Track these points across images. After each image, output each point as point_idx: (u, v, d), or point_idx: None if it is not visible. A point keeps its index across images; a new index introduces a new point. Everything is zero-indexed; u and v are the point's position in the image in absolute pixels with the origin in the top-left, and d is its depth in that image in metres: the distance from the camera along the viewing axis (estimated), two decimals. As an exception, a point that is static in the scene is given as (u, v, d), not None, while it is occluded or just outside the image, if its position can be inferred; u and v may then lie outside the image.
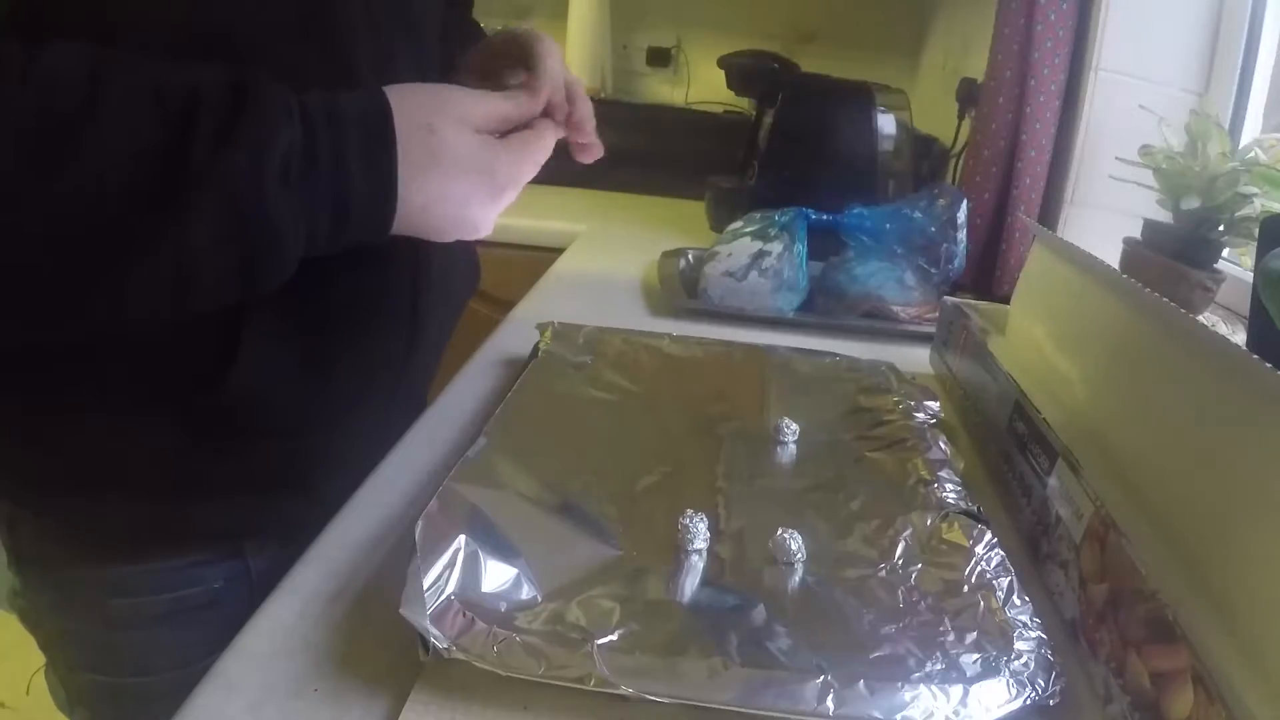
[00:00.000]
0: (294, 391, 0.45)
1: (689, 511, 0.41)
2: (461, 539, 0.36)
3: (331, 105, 0.38)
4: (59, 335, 0.37)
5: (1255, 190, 0.70)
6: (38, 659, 0.55)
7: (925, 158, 1.26)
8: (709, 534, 0.41)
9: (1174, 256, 0.76)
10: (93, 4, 0.36)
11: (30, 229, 0.32)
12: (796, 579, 0.38)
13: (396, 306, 0.50)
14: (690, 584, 0.37)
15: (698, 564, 0.39)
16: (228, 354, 0.42)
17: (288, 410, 0.46)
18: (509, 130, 0.46)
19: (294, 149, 0.36)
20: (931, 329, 0.78)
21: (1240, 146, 0.77)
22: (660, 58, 1.85)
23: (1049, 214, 1.03)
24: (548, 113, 0.49)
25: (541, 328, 0.66)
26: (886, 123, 1.12)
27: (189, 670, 0.33)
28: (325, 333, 0.46)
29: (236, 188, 0.34)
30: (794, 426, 0.53)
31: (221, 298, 0.37)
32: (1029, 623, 0.36)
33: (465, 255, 0.62)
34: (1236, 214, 0.72)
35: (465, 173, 0.42)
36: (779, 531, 0.40)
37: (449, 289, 0.57)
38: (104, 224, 0.32)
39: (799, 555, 0.39)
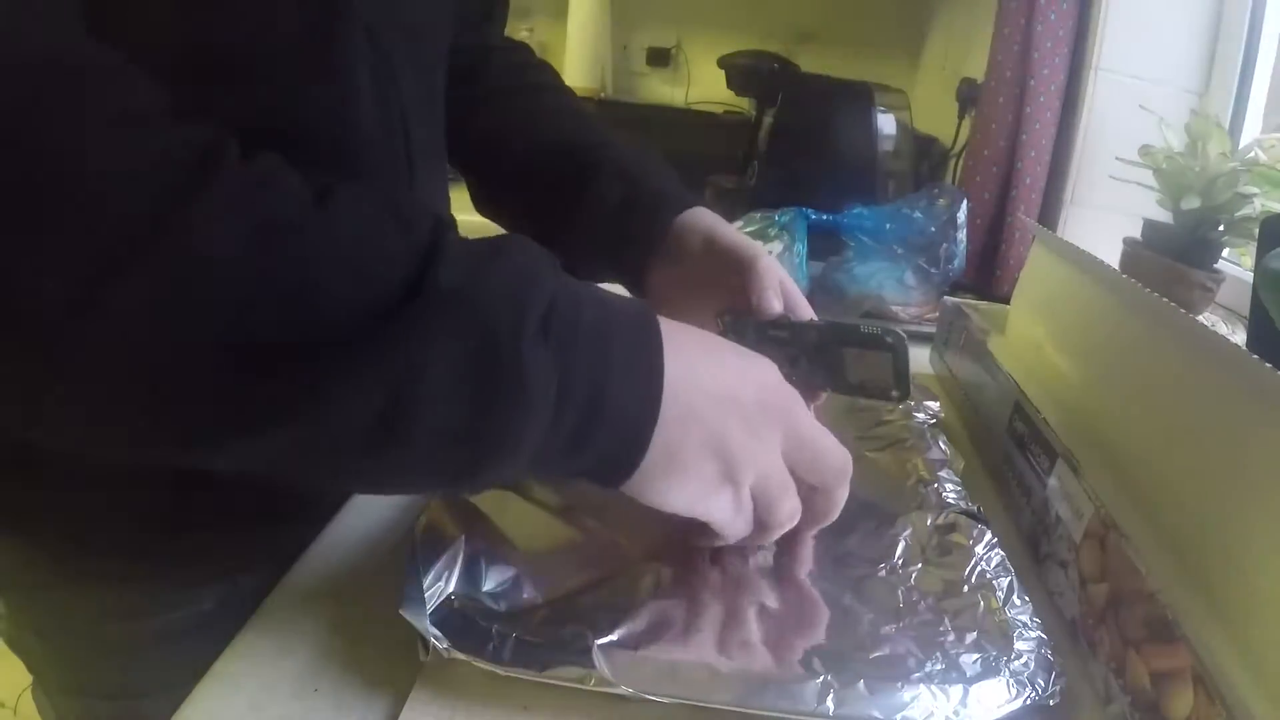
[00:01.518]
0: None
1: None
2: (461, 539, 0.36)
3: (586, 287, 0.32)
4: (211, 460, 0.29)
5: (1255, 190, 0.70)
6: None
7: (925, 158, 1.26)
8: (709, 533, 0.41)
9: (1174, 256, 0.76)
10: (85, 18, 0.34)
11: (230, 323, 0.25)
12: (798, 578, 0.38)
13: None
14: (692, 583, 0.37)
15: (698, 563, 0.39)
16: None
17: None
18: None
19: (557, 305, 0.29)
20: (931, 329, 0.78)
21: (1240, 146, 0.77)
22: (660, 58, 1.85)
23: (1049, 214, 1.03)
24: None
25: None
26: (886, 123, 1.12)
27: (182, 692, 0.32)
28: None
29: (494, 320, 0.27)
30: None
31: (416, 471, 0.29)
32: (1029, 623, 0.36)
33: None
34: (1236, 214, 0.72)
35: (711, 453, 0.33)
36: None
37: None
38: (315, 330, 0.26)
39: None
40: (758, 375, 0.36)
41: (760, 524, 0.36)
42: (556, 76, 0.63)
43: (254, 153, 0.27)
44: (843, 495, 0.38)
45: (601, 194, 0.52)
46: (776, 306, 0.46)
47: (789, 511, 0.36)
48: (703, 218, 0.51)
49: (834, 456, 0.37)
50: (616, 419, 0.30)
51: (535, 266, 0.30)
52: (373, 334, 0.26)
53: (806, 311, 0.47)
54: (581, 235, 0.54)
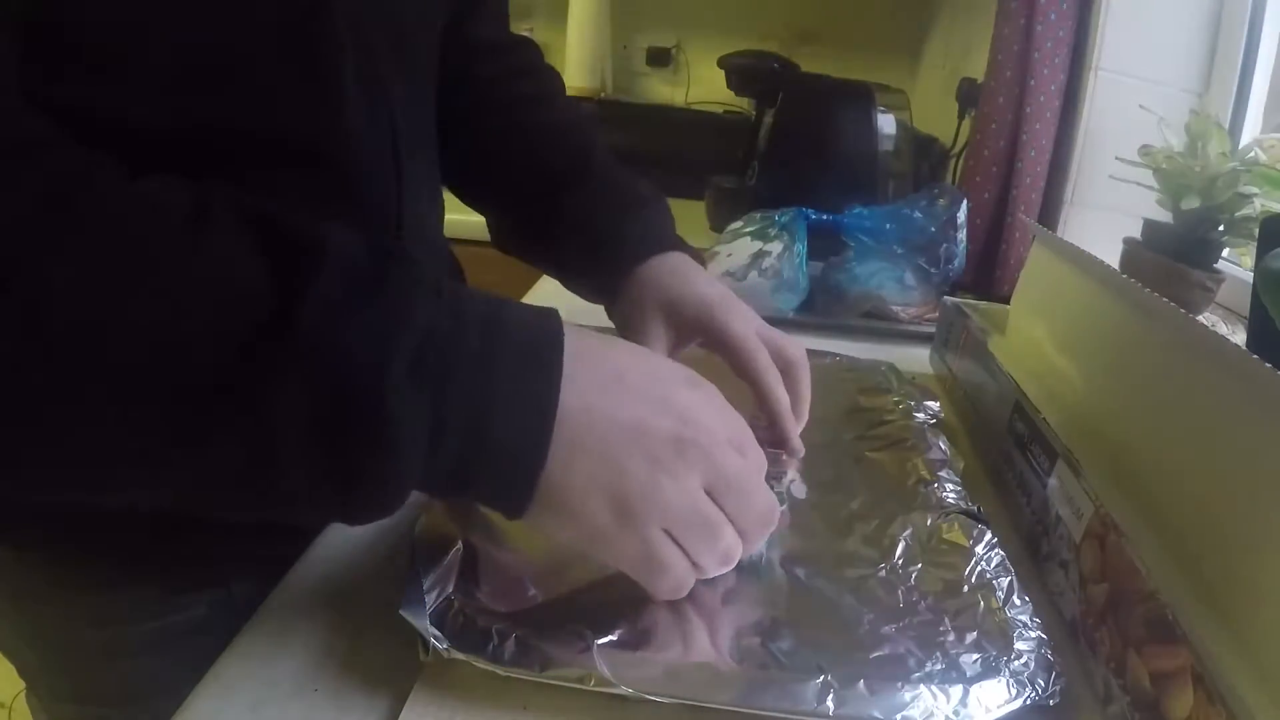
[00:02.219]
0: None
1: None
2: (462, 539, 0.36)
3: (491, 304, 0.30)
4: (73, 495, 0.29)
5: (1255, 190, 0.70)
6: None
7: (925, 158, 1.26)
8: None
9: (1174, 256, 0.76)
10: (54, 24, 0.32)
11: (77, 356, 0.25)
12: (798, 579, 0.38)
13: None
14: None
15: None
16: None
17: None
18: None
19: (434, 338, 0.28)
20: (931, 329, 0.78)
21: (1240, 146, 0.77)
22: (660, 58, 1.85)
23: (1049, 214, 1.03)
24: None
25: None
26: (886, 123, 1.12)
27: (175, 697, 0.32)
28: None
29: (351, 364, 0.26)
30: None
31: (298, 507, 0.29)
32: (1029, 623, 0.36)
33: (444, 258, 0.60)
34: (1236, 214, 0.72)
35: (649, 462, 0.31)
36: None
37: None
38: (170, 370, 0.25)
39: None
40: (682, 406, 0.32)
41: (684, 566, 0.33)
42: (546, 82, 0.61)
43: (139, 174, 0.27)
44: (757, 543, 0.35)
45: (561, 242, 0.52)
46: (780, 394, 0.44)
47: (720, 552, 0.33)
48: (663, 268, 0.48)
49: (758, 501, 0.34)
50: (497, 455, 0.29)
51: (414, 295, 0.28)
52: (229, 382, 0.25)
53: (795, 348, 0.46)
54: (553, 270, 0.55)
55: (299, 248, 0.27)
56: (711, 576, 0.34)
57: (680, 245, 0.50)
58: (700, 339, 0.47)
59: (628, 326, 0.48)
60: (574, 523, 0.31)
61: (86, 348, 0.24)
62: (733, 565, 0.34)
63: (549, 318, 0.32)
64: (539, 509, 0.31)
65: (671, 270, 0.48)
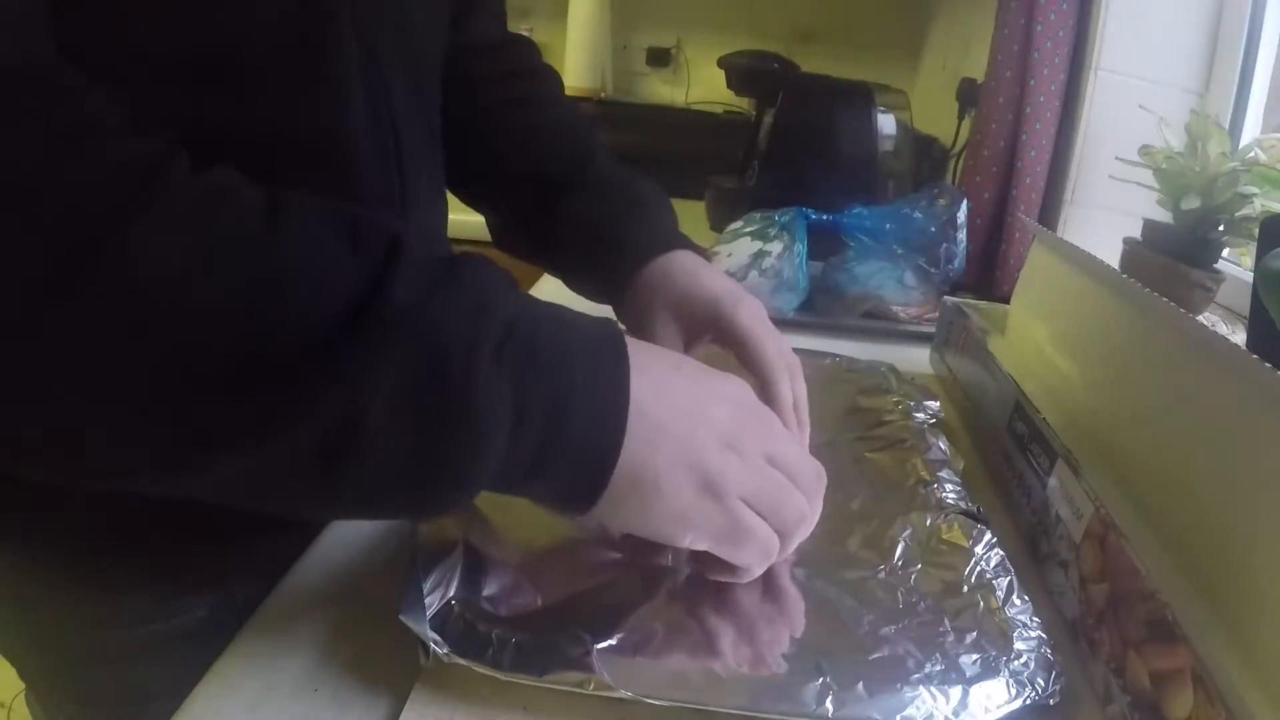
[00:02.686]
0: None
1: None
2: (461, 542, 0.36)
3: (550, 305, 0.31)
4: (147, 485, 0.28)
5: (1255, 190, 0.70)
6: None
7: (925, 158, 1.26)
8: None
9: (1174, 256, 0.76)
10: (57, 23, 0.31)
11: (176, 338, 0.24)
12: (798, 580, 0.38)
13: None
14: (691, 586, 0.37)
15: (696, 567, 0.39)
16: None
17: None
18: None
19: (515, 329, 0.28)
20: (931, 329, 0.78)
21: (1240, 146, 0.77)
22: (660, 58, 1.85)
23: (1049, 214, 1.03)
24: None
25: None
26: (886, 123, 1.12)
27: (175, 699, 0.32)
28: None
29: (445, 343, 0.26)
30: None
31: (368, 497, 0.28)
32: (1028, 623, 0.36)
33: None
34: (1236, 214, 0.72)
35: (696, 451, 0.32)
36: None
37: None
38: (262, 347, 0.25)
39: None
40: (730, 393, 0.35)
41: (768, 533, 0.34)
42: (545, 82, 0.61)
43: (206, 165, 0.26)
44: (819, 504, 0.37)
45: (564, 245, 0.52)
46: (785, 387, 0.44)
47: (798, 512, 0.35)
48: (669, 267, 0.48)
49: (808, 466, 0.36)
50: (578, 443, 0.30)
51: (491, 288, 0.29)
52: (318, 358, 0.25)
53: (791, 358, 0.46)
54: (557, 271, 0.55)
55: (378, 235, 0.28)
56: (793, 545, 0.36)
57: (685, 242, 0.50)
58: (710, 335, 0.47)
59: (639, 327, 0.48)
60: (660, 504, 0.32)
61: (175, 322, 0.24)
62: (810, 529, 0.36)
63: (606, 319, 0.33)
64: (617, 497, 0.31)
65: (678, 269, 0.48)
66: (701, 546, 0.34)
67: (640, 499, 0.31)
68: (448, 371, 0.26)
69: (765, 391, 0.44)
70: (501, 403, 0.27)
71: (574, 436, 0.29)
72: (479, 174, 0.57)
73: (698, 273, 0.48)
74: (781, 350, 0.45)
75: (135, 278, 0.24)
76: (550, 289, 0.92)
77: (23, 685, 0.53)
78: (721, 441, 0.33)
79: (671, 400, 0.32)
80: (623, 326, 0.35)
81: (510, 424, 0.28)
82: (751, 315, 0.45)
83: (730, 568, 0.35)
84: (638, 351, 0.32)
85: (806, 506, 0.35)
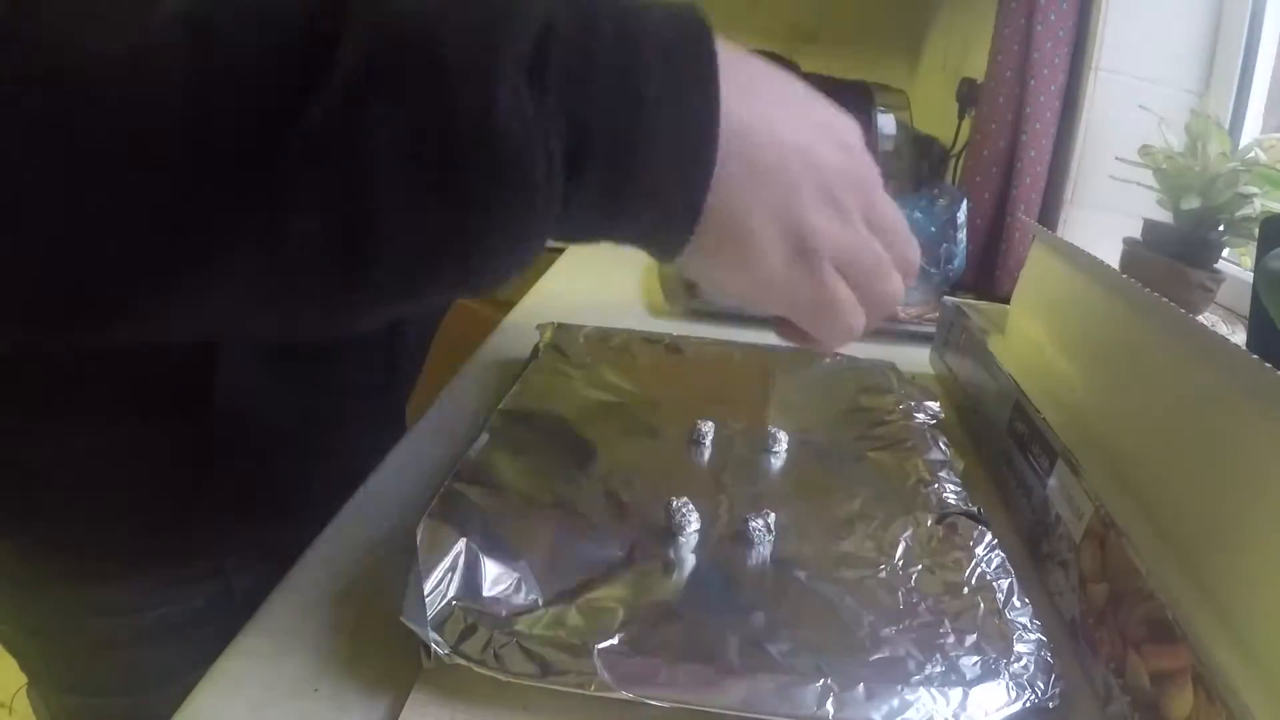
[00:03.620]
0: (271, 411, 0.44)
1: (690, 512, 0.41)
2: (462, 542, 0.36)
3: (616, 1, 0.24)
4: (89, 338, 0.23)
5: (1255, 190, 0.70)
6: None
7: (925, 158, 1.26)
8: (711, 535, 0.41)
9: (1174, 256, 0.76)
10: None
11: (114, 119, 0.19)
12: (798, 580, 0.38)
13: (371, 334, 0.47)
14: (691, 586, 0.37)
15: (699, 566, 0.39)
16: (206, 370, 0.41)
17: (265, 430, 0.44)
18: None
19: (557, 28, 0.22)
20: (931, 329, 0.78)
21: (1240, 146, 0.77)
22: (660, 58, 1.85)
23: (1049, 214, 1.03)
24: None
25: (541, 328, 0.66)
26: (886, 123, 1.12)
27: (175, 687, 0.32)
28: (299, 359, 0.44)
29: (453, 64, 0.20)
30: (793, 427, 0.53)
31: (415, 265, 0.22)
32: (1029, 625, 0.36)
33: None
34: (1236, 214, 0.72)
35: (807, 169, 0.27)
36: (752, 516, 0.41)
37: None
38: (223, 107, 0.20)
39: (768, 535, 0.40)
40: (841, 133, 0.29)
41: (855, 308, 0.30)
42: None
43: None
44: (910, 283, 0.32)
45: None
46: None
47: (891, 288, 0.31)
48: None
49: (905, 238, 0.32)
50: (655, 178, 0.24)
51: None
52: (295, 111, 0.19)
53: None
54: None
55: None
56: (874, 324, 0.32)
57: None
58: None
59: None
60: (745, 265, 0.27)
61: (112, 95, 0.19)
62: (896, 307, 0.32)
63: (691, 9, 0.26)
64: (701, 247, 0.26)
65: None
66: (780, 313, 0.30)
67: (725, 255, 0.27)
68: (454, 105, 0.20)
69: None
70: (546, 127, 0.21)
71: (649, 168, 0.23)
72: None
73: None
74: None
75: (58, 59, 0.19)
76: (553, 287, 0.92)
77: (22, 683, 0.53)
78: (825, 196, 0.28)
79: (774, 130, 0.26)
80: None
81: (565, 151, 0.22)
82: None
83: (799, 337, 0.32)
84: (733, 63, 0.25)
85: (899, 282, 0.31)
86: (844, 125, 0.30)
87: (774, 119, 0.27)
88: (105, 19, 0.20)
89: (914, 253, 0.32)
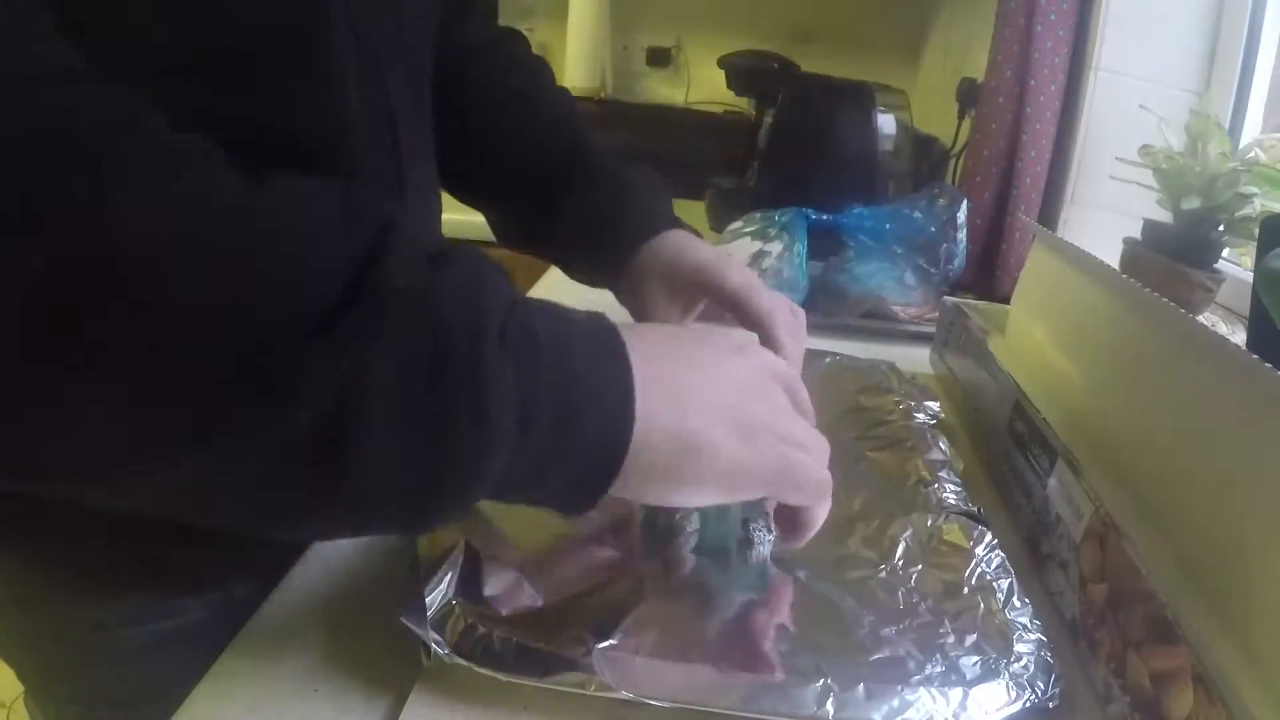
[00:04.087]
0: None
1: (690, 512, 0.41)
2: (462, 542, 0.36)
3: (537, 299, 0.30)
4: (101, 485, 0.25)
5: (1255, 190, 0.70)
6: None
7: (925, 158, 1.26)
8: (710, 535, 0.41)
9: (1174, 256, 0.76)
10: (68, 25, 0.32)
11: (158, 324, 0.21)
12: (798, 580, 0.38)
13: None
14: (691, 586, 0.37)
15: (699, 566, 0.39)
16: None
17: None
18: None
19: (516, 313, 0.27)
20: (931, 329, 0.78)
21: (1240, 146, 0.77)
22: (660, 58, 1.85)
23: (1049, 214, 1.03)
24: None
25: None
26: (886, 123, 1.12)
27: (175, 699, 0.32)
28: None
29: (451, 322, 0.24)
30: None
31: (369, 501, 0.25)
32: (1029, 625, 0.36)
33: None
34: (1236, 214, 0.72)
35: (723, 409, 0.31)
36: (753, 516, 0.41)
37: None
38: (246, 321, 0.22)
39: (768, 535, 0.40)
40: (738, 343, 0.35)
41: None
42: (532, 75, 0.61)
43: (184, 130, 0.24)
44: (822, 513, 0.35)
45: (564, 236, 0.53)
46: (784, 336, 0.44)
47: (827, 452, 0.34)
48: (664, 244, 0.49)
49: (815, 439, 0.35)
50: (589, 430, 0.28)
51: (486, 272, 0.27)
52: (310, 337, 0.22)
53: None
54: (557, 261, 0.56)
55: (372, 206, 0.25)
56: (822, 505, 0.34)
57: (677, 223, 0.52)
58: (703, 300, 0.48)
59: (634, 297, 0.50)
60: (710, 460, 0.30)
61: (144, 286, 0.21)
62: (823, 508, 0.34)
63: (593, 314, 0.31)
64: (659, 472, 0.30)
65: (669, 245, 0.49)
66: (758, 494, 0.33)
67: (687, 464, 0.30)
68: (453, 353, 0.24)
69: (765, 340, 0.44)
70: (508, 390, 0.25)
71: (583, 422, 0.28)
72: (473, 173, 0.58)
73: (684, 246, 0.49)
74: (775, 304, 0.45)
75: (104, 218, 0.21)
76: (553, 283, 0.92)
77: (23, 687, 0.53)
78: (745, 392, 0.32)
79: (682, 367, 0.32)
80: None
81: (518, 413, 0.26)
82: (741, 274, 0.46)
83: (795, 526, 0.34)
84: (635, 333, 0.31)
85: (827, 446, 0.35)
86: (737, 337, 0.35)
87: (678, 356, 0.32)
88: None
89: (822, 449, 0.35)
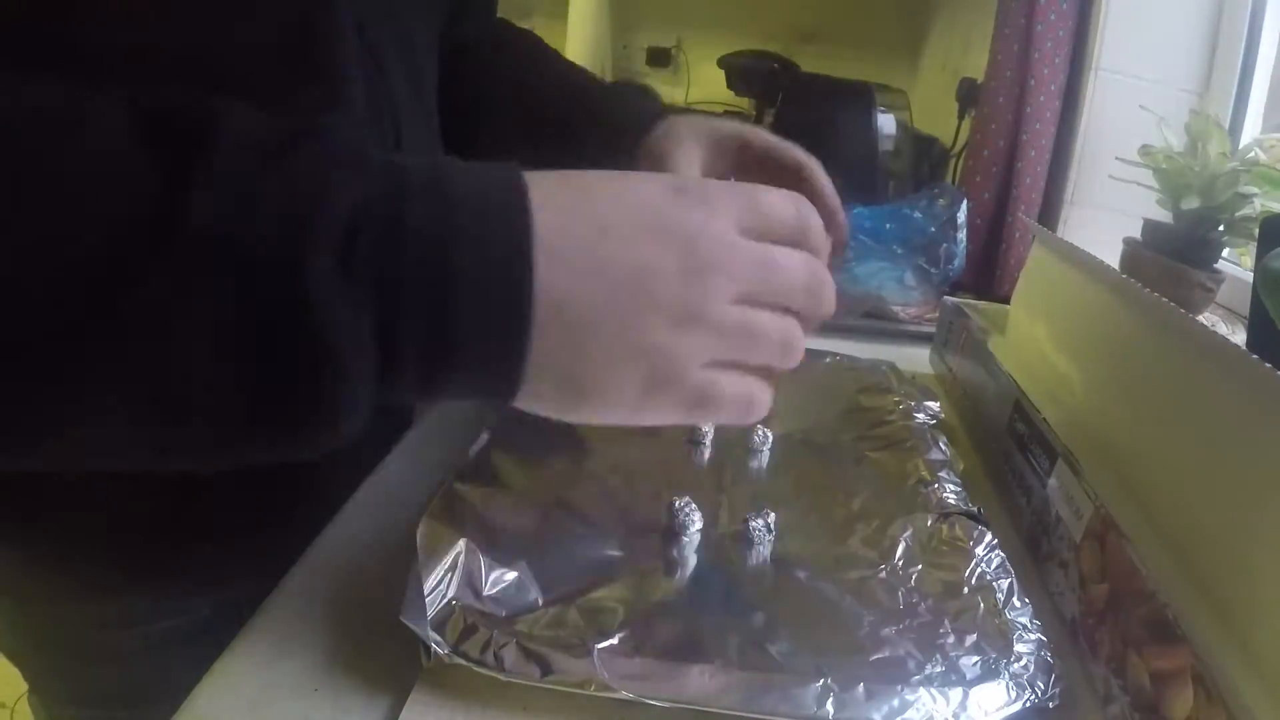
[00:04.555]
0: None
1: (691, 512, 0.41)
2: (462, 542, 0.36)
3: (436, 168, 0.25)
4: None
5: (1255, 190, 0.70)
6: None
7: (925, 158, 1.26)
8: (711, 535, 0.41)
9: (1174, 256, 0.76)
10: (54, 23, 0.31)
11: None
12: (798, 580, 0.38)
13: None
14: (691, 586, 0.37)
15: (699, 566, 0.39)
16: None
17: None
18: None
19: (369, 212, 0.23)
20: (931, 329, 0.78)
21: (1240, 146, 0.77)
22: (660, 58, 1.85)
23: (1049, 214, 1.03)
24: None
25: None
26: (886, 123, 1.12)
27: (178, 698, 0.32)
28: None
29: (255, 261, 0.22)
30: (793, 427, 0.53)
31: (231, 446, 0.25)
32: (1029, 625, 0.36)
33: None
34: (1236, 214, 0.72)
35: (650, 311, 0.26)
36: (753, 516, 0.41)
37: None
38: (44, 286, 0.21)
39: (768, 535, 0.40)
40: (680, 226, 0.27)
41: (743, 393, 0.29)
42: (524, 48, 0.63)
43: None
44: (824, 311, 0.31)
45: (585, 149, 0.53)
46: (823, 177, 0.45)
47: (779, 347, 0.29)
48: (691, 115, 0.50)
49: (797, 276, 0.29)
50: (473, 351, 0.24)
51: (329, 167, 0.23)
52: (112, 293, 0.21)
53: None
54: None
55: (180, 127, 0.23)
56: (789, 368, 0.30)
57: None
58: (734, 157, 0.49)
59: (657, 152, 0.50)
60: (597, 407, 0.27)
61: None
62: (799, 355, 0.30)
63: (507, 171, 0.26)
64: (542, 405, 0.27)
65: (684, 120, 0.50)
66: (668, 423, 0.29)
67: (571, 406, 0.27)
68: (268, 296, 0.22)
69: (809, 187, 0.44)
70: (359, 316, 0.23)
71: (467, 340, 0.24)
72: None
73: (696, 120, 0.50)
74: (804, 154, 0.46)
75: None
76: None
77: (26, 686, 0.53)
78: (673, 310, 0.27)
79: (598, 279, 0.26)
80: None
81: (370, 331, 0.23)
82: (762, 132, 0.47)
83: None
84: (546, 210, 0.25)
85: (791, 334, 0.29)
86: (683, 213, 0.27)
87: (598, 263, 0.26)
88: None
89: (805, 274, 0.30)
